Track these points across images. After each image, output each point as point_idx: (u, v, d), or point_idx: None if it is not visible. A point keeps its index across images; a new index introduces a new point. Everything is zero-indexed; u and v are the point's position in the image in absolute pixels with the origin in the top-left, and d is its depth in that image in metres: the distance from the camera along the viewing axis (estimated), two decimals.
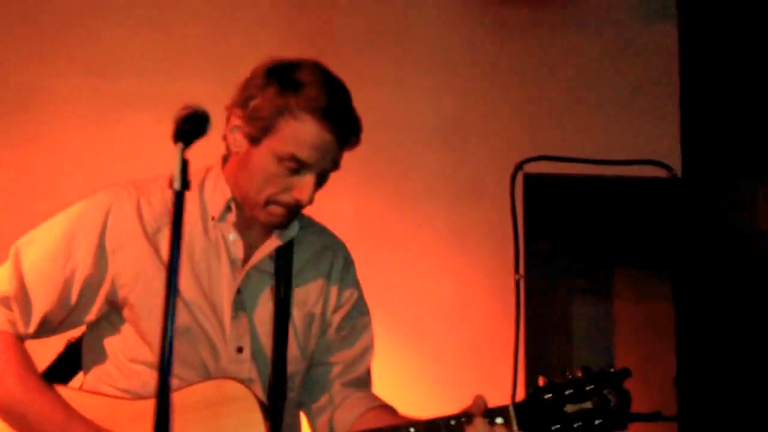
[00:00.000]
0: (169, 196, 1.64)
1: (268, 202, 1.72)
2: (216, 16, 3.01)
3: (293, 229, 1.79)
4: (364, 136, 3.16)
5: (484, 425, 1.63)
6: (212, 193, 1.76)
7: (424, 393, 2.86)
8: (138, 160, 2.54)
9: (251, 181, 1.71)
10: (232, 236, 1.75)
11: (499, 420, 1.64)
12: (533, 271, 3.17)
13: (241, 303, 1.75)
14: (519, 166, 3.17)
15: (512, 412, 1.64)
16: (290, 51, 2.97)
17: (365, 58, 3.11)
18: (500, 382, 2.93)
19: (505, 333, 3.03)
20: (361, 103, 3.05)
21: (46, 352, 1.79)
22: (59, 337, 1.78)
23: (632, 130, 3.21)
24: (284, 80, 1.70)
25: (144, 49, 2.94)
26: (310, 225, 1.86)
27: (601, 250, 3.26)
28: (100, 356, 1.74)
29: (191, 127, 1.38)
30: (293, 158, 1.67)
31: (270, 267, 1.78)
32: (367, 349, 1.87)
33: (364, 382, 1.87)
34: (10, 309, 1.68)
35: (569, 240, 3.24)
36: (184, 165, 1.36)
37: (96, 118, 2.90)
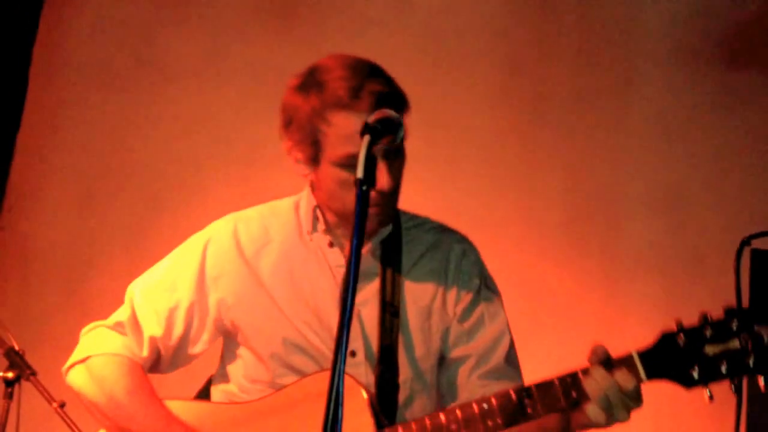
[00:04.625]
0: (266, 222, 1.77)
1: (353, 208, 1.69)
2: (428, 78, 3.04)
3: (386, 229, 1.75)
4: (573, 203, 3.05)
5: (603, 375, 1.49)
6: (304, 210, 1.80)
7: None
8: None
9: (333, 197, 1.71)
10: (330, 243, 1.75)
11: (621, 368, 1.49)
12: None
13: None
14: (746, 241, 2.94)
15: (637, 359, 1.50)
16: (504, 115, 2.99)
17: (580, 121, 3.05)
18: None
19: (725, 424, 2.77)
20: (571, 167, 2.98)
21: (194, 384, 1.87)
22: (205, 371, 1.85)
23: None
24: (307, 88, 1.70)
25: None
26: (422, 223, 1.82)
27: None
28: (224, 379, 1.80)
29: (381, 126, 1.45)
30: (350, 157, 1.61)
31: (375, 268, 1.75)
32: (500, 338, 1.76)
33: (503, 372, 1.75)
34: (124, 334, 1.78)
35: None
36: (369, 158, 1.40)
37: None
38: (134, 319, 1.78)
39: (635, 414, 3.06)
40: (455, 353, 1.75)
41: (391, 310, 1.72)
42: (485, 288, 1.79)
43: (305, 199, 1.82)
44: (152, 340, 1.77)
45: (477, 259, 1.81)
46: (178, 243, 2.98)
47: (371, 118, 1.47)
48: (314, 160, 1.70)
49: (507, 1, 3.09)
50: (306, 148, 1.70)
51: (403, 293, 1.73)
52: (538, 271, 2.96)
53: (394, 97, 1.67)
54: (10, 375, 2.14)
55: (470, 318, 1.76)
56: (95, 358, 1.76)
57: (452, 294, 1.76)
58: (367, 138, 1.42)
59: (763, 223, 2.92)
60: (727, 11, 3.05)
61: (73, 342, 2.98)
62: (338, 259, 1.76)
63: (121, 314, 1.80)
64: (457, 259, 1.77)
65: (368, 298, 1.74)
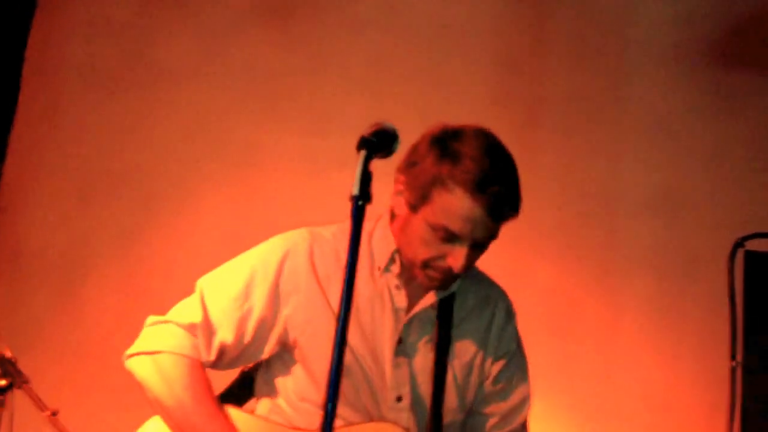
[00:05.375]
0: (338, 246, 1.76)
1: (425, 265, 1.73)
2: (425, 78, 3.05)
3: (454, 285, 1.79)
4: (569, 203, 3.05)
5: None
6: (380, 244, 1.80)
7: None
8: (343, 214, 2.49)
9: (410, 244, 1.74)
10: (397, 286, 1.77)
11: None
12: (751, 357, 2.94)
13: (402, 351, 1.77)
14: (739, 243, 2.94)
15: None
16: (500, 115, 3.01)
17: (576, 122, 3.04)
18: None
19: (718, 428, 2.79)
20: (566, 169, 2.97)
21: (222, 375, 1.88)
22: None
23: None
24: (444, 149, 1.70)
25: (353, 109, 3.02)
26: (473, 275, 1.85)
27: None
28: (272, 391, 1.81)
29: (378, 140, 1.44)
30: (444, 229, 1.68)
31: (432, 316, 1.79)
32: (524, 402, 1.85)
33: None
34: (195, 336, 1.77)
35: None
36: (365, 174, 1.39)
37: (308, 174, 3.01)
38: (207, 323, 1.76)
39: (629, 415, 3.08)
40: (484, 409, 1.83)
41: (443, 361, 1.76)
42: (519, 353, 1.86)
43: (381, 233, 1.81)
44: (222, 345, 1.76)
45: (514, 322, 1.87)
46: (173, 246, 3.02)
47: (368, 131, 1.46)
48: (414, 207, 1.72)
49: (502, 3, 3.08)
50: (415, 194, 1.71)
51: (453, 346, 1.78)
52: (534, 272, 2.96)
53: (510, 201, 1.70)
54: (2, 383, 2.09)
55: (503, 381, 1.83)
56: (165, 355, 1.75)
57: (491, 354, 1.82)
58: (363, 153, 1.42)
59: (756, 224, 2.93)
60: (721, 12, 3.04)
61: (66, 347, 2.97)
62: (403, 302, 1.78)
63: (193, 315, 1.77)
64: (501, 320, 1.84)
65: (421, 347, 1.77)
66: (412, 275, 1.76)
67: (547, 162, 3.03)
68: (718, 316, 2.87)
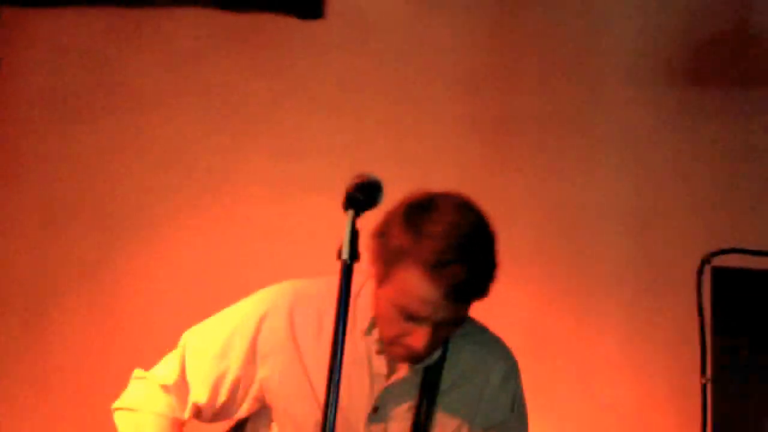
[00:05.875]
0: (322, 305, 1.68)
1: (390, 342, 1.66)
2: (394, 102, 3.04)
3: (436, 354, 1.69)
4: (540, 222, 3.05)
5: None
6: (364, 306, 1.71)
7: None
8: (317, 239, 2.57)
9: (378, 317, 1.67)
10: (378, 350, 1.69)
11: None
12: (722, 374, 2.95)
13: (377, 419, 1.70)
14: (707, 259, 2.98)
15: None
16: (467, 137, 2.98)
17: (545, 142, 3.04)
18: None
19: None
20: (537, 190, 2.98)
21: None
22: None
23: None
24: (410, 222, 1.59)
25: (323, 132, 3.01)
26: (470, 333, 1.74)
27: None
28: None
29: (364, 196, 1.40)
30: (402, 308, 1.59)
31: (416, 379, 1.70)
32: None
33: None
34: (170, 394, 1.76)
35: (763, 340, 3.03)
36: (354, 234, 1.36)
37: (279, 199, 2.98)
38: (182, 382, 1.74)
39: (599, 414, 3.12)
40: None
41: (422, 427, 1.67)
42: (517, 422, 1.75)
43: (366, 294, 1.71)
44: (196, 405, 1.74)
45: (515, 387, 1.75)
46: (140, 276, 2.98)
47: (352, 186, 1.41)
48: (379, 282, 1.63)
49: (467, 24, 3.07)
50: (379, 268, 1.61)
51: (436, 416, 1.68)
52: (507, 291, 2.94)
53: (473, 286, 1.58)
54: None
55: None
56: (144, 414, 1.74)
57: (481, 423, 1.71)
58: (351, 213, 1.38)
59: (723, 240, 2.96)
60: (686, 30, 3.06)
61: (32, 378, 2.90)
62: (383, 368, 1.69)
63: (171, 372, 1.76)
64: (493, 389, 1.71)
65: (400, 414, 1.68)
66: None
67: (517, 181, 3.03)
68: (689, 332, 2.90)
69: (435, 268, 1.54)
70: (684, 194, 3.04)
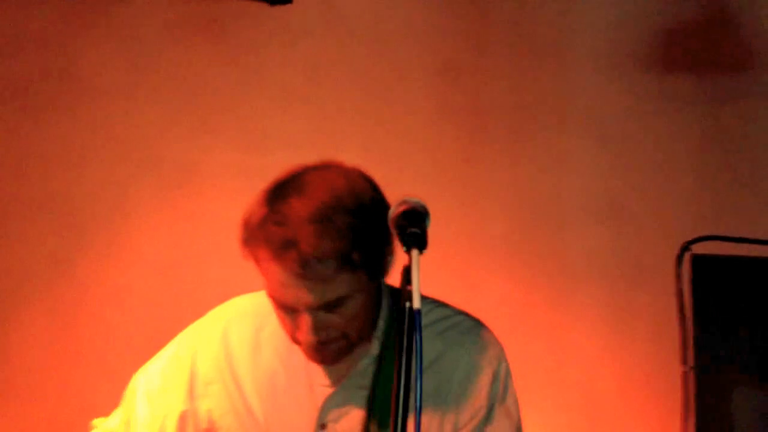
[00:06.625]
0: (261, 320, 1.56)
1: (296, 342, 1.52)
2: (366, 92, 2.97)
3: (374, 348, 1.54)
4: (515, 213, 3.01)
5: None
6: None
7: None
8: None
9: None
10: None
11: None
12: (703, 361, 2.93)
13: (323, 428, 1.56)
14: (686, 246, 2.96)
15: None
16: (441, 126, 2.93)
17: (519, 131, 3.00)
18: None
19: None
20: (512, 179, 2.95)
21: None
22: None
23: None
24: (268, 201, 1.47)
25: (292, 123, 2.93)
26: (431, 323, 1.57)
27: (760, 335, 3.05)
28: None
29: (422, 231, 1.21)
30: (275, 301, 1.47)
31: (365, 381, 1.55)
32: None
33: None
34: None
35: (744, 327, 3.02)
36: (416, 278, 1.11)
37: (248, 193, 2.76)
38: (130, 426, 1.65)
39: (578, 403, 3.10)
40: None
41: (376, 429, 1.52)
42: (497, 410, 1.55)
43: None
44: None
45: (492, 375, 1.55)
46: (105, 275, 2.87)
47: (401, 221, 1.20)
48: (261, 272, 1.49)
49: (439, 12, 3.02)
50: (250, 256, 1.47)
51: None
52: (484, 282, 2.92)
53: (320, 263, 1.40)
54: None
55: None
56: None
57: (450, 417, 1.53)
58: (416, 254, 1.17)
59: (702, 227, 2.94)
60: (658, 16, 3.04)
61: None
62: (322, 379, 1.56)
63: (120, 423, 1.67)
64: (461, 376, 1.52)
65: (354, 427, 1.53)
66: None
67: (491, 173, 2.98)
68: (668, 321, 2.89)
69: (282, 247, 1.40)
70: (661, 181, 3.02)
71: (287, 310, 1.47)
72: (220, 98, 2.91)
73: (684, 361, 2.89)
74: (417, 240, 1.17)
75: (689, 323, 2.91)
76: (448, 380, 1.54)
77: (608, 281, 2.96)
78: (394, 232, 1.25)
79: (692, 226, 2.93)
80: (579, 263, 2.97)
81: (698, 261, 2.91)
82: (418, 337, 1.12)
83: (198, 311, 2.76)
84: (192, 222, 2.85)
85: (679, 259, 2.94)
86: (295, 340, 1.51)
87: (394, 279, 1.56)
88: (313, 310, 1.44)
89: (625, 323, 2.97)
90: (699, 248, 2.93)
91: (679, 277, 2.93)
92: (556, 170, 3.00)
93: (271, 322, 1.58)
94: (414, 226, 1.20)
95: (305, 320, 1.44)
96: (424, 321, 1.43)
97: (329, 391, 1.57)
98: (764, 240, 2.93)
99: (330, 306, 1.45)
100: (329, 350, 1.49)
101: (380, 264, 1.49)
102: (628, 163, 3.02)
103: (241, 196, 2.88)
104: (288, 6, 2.92)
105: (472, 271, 2.91)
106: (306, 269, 1.40)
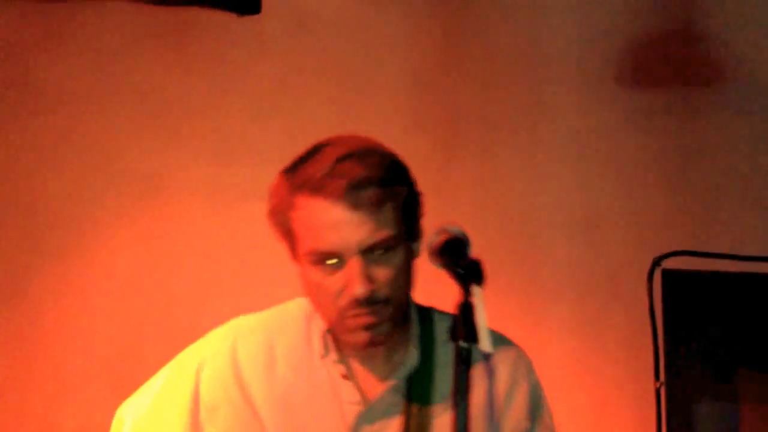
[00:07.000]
0: (272, 336, 1.50)
1: (341, 318, 1.44)
2: (338, 103, 2.95)
3: (412, 358, 1.50)
4: (488, 226, 3.00)
5: None
6: (317, 329, 1.53)
7: None
8: (257, 250, 2.56)
9: (316, 303, 1.48)
10: (344, 375, 1.50)
11: None
12: (674, 376, 2.93)
13: None
14: (656, 262, 2.96)
15: None
16: (417, 137, 2.91)
17: (493, 146, 3.00)
18: None
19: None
20: (484, 193, 2.94)
21: None
22: None
23: None
24: (290, 168, 1.47)
25: (262, 134, 2.90)
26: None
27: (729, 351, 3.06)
28: None
29: (474, 266, 1.14)
30: (318, 254, 1.40)
31: (398, 398, 1.49)
32: None
33: None
34: None
35: (716, 343, 3.03)
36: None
37: (217, 207, 2.87)
38: None
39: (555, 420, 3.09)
40: None
41: None
42: (537, 428, 1.57)
43: (319, 316, 1.53)
44: None
45: (531, 390, 1.56)
46: (67, 292, 2.80)
47: (438, 244, 1.19)
48: (294, 252, 1.45)
49: (411, 20, 3.01)
50: (284, 238, 1.45)
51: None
52: (451, 295, 2.89)
53: (359, 175, 1.38)
54: None
55: None
56: None
57: None
58: (478, 290, 1.13)
59: (673, 242, 2.95)
60: (630, 31, 3.05)
61: None
62: (352, 395, 1.48)
63: None
64: (503, 393, 1.50)
65: None
66: (351, 346, 1.49)
67: (465, 185, 2.97)
68: (642, 336, 2.89)
69: (321, 181, 1.37)
70: (633, 196, 3.02)
71: (332, 266, 1.39)
72: (188, 109, 2.86)
73: (657, 377, 2.88)
74: (475, 273, 1.13)
75: (661, 339, 2.91)
76: (489, 391, 1.50)
77: (579, 297, 2.96)
78: (435, 262, 1.23)
79: (666, 241, 2.93)
80: (550, 278, 2.96)
81: (668, 276, 2.91)
82: (489, 384, 1.12)
83: (164, 328, 2.71)
84: (158, 236, 2.80)
85: (651, 274, 2.94)
86: (338, 318, 1.43)
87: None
88: (363, 252, 1.38)
89: (599, 338, 2.97)
90: (673, 263, 2.93)
91: (650, 292, 2.93)
92: (528, 183, 3.00)
93: (285, 338, 1.53)
94: (464, 259, 1.15)
95: (354, 266, 1.37)
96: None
97: (359, 408, 1.50)
98: (735, 255, 2.94)
99: (379, 247, 1.39)
100: (378, 317, 1.41)
101: (417, 221, 1.47)
102: (600, 177, 3.03)
103: (209, 210, 2.89)
104: (257, 16, 2.88)
105: (443, 285, 2.88)
106: (353, 194, 1.37)
